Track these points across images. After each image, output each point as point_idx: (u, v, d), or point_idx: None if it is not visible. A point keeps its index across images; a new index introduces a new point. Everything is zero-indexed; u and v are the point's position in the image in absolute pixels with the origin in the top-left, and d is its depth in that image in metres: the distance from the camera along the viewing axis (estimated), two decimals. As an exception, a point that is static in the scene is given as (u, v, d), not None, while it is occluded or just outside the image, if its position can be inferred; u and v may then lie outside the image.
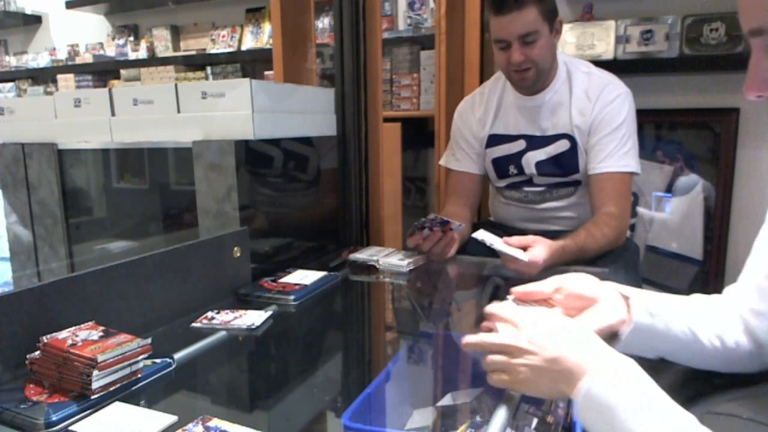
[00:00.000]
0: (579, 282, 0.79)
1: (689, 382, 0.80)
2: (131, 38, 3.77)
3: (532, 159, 1.60)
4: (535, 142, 1.59)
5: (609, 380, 0.58)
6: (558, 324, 0.67)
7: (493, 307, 0.73)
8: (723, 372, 0.80)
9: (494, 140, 1.64)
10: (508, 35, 1.44)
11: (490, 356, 0.68)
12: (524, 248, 1.27)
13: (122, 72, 3.66)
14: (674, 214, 2.15)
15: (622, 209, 1.48)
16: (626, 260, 1.49)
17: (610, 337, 0.74)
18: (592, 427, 0.59)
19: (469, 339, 0.70)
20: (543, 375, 0.63)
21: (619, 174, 1.49)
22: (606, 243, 1.42)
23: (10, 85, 4.18)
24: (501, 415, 0.65)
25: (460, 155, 1.70)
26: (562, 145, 1.56)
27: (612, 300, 0.76)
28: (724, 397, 0.84)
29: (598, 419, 0.58)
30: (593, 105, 1.51)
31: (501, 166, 1.65)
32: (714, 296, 0.84)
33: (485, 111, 1.66)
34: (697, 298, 0.84)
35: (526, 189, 1.65)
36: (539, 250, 1.26)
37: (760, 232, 0.80)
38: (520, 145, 1.61)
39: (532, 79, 1.50)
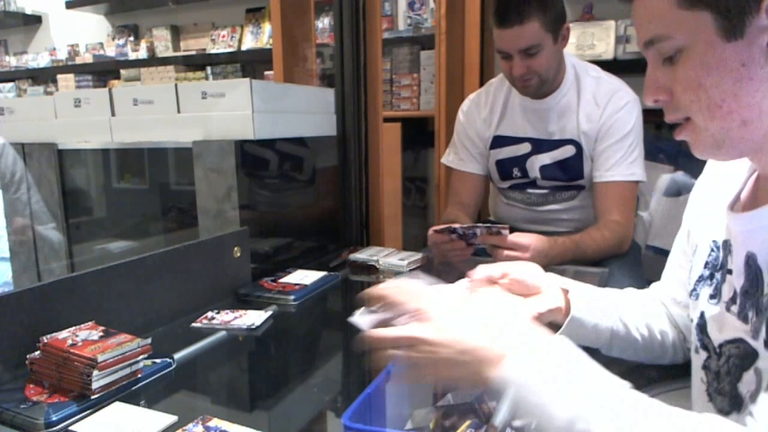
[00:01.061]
0: (524, 270, 0.82)
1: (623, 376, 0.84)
2: (131, 38, 3.77)
3: (536, 163, 1.58)
4: (541, 145, 1.57)
5: (524, 361, 0.55)
6: (478, 310, 0.62)
7: (388, 288, 0.63)
8: (652, 364, 0.88)
9: (499, 142, 1.63)
10: (510, 48, 1.42)
11: (390, 352, 0.60)
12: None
13: (122, 72, 3.66)
14: (674, 214, 2.15)
15: (626, 217, 1.48)
16: (626, 259, 1.49)
17: (549, 327, 0.74)
18: (517, 412, 0.55)
19: (370, 334, 0.61)
20: (457, 367, 0.57)
21: (625, 183, 1.48)
22: (606, 246, 1.42)
23: (10, 85, 4.18)
24: (501, 415, 0.65)
25: (464, 155, 1.68)
26: (568, 151, 1.54)
27: (552, 290, 0.81)
28: (658, 389, 0.93)
29: (517, 400, 0.55)
30: (602, 111, 1.49)
31: (505, 168, 1.64)
32: (643, 290, 0.93)
33: (491, 111, 1.64)
34: (629, 291, 0.92)
35: (530, 191, 1.65)
36: (525, 236, 1.27)
37: (680, 231, 0.88)
38: (526, 148, 1.59)
39: (536, 87, 1.48)
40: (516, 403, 0.55)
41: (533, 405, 0.54)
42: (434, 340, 0.57)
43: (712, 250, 0.74)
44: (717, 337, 0.71)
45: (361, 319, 0.64)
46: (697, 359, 0.76)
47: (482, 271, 0.81)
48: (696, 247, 0.79)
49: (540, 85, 1.48)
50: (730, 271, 0.70)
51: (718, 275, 0.72)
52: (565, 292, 0.82)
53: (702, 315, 0.74)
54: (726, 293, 0.70)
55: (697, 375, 0.76)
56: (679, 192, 2.15)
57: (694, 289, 0.77)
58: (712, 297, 0.72)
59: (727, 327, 0.69)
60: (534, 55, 1.42)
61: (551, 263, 1.33)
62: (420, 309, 0.60)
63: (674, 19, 0.59)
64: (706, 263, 0.75)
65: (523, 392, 0.54)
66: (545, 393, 0.53)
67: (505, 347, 0.56)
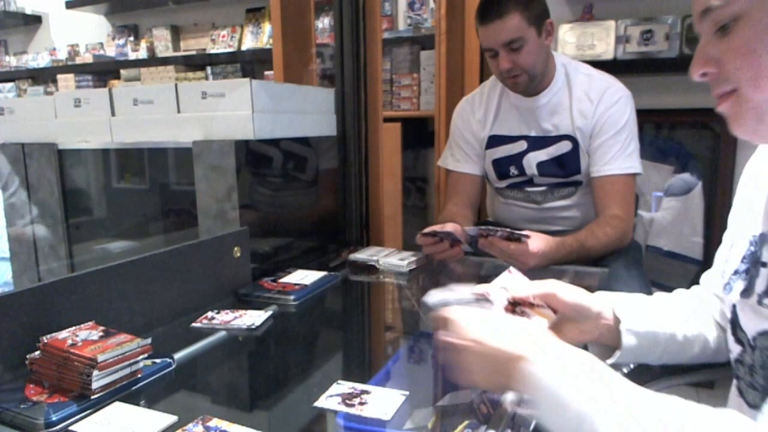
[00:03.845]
0: (572, 293, 0.80)
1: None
2: (131, 38, 3.77)
3: (533, 160, 1.59)
4: (536, 142, 1.59)
5: (550, 364, 0.57)
6: (505, 320, 0.68)
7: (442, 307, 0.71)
8: (710, 363, 0.86)
9: (495, 141, 1.64)
10: (493, 43, 1.45)
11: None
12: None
13: (122, 72, 3.66)
14: (674, 214, 2.15)
15: (626, 211, 1.49)
16: (628, 258, 1.50)
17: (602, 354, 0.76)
18: (540, 413, 0.57)
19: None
20: (485, 366, 0.62)
21: (623, 176, 1.49)
22: (608, 242, 1.43)
23: (10, 85, 4.18)
24: (500, 415, 0.65)
25: (460, 156, 1.70)
26: (564, 146, 1.56)
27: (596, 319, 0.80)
28: (662, 384, 0.95)
29: (542, 403, 0.57)
30: (595, 107, 1.51)
31: (502, 167, 1.65)
32: (694, 288, 0.91)
33: (485, 111, 1.65)
34: (678, 295, 0.90)
35: (528, 189, 1.65)
36: (534, 241, 1.27)
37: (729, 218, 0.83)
38: (521, 146, 1.61)
39: (525, 83, 1.50)
40: (531, 394, 0.57)
41: (547, 395, 0.56)
42: (460, 344, 0.64)
43: (751, 244, 0.73)
44: (751, 328, 0.70)
45: (431, 298, 0.76)
46: (731, 354, 0.75)
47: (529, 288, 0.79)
48: (734, 241, 0.78)
49: (529, 81, 1.50)
50: (764, 264, 0.69)
51: (753, 269, 0.71)
52: (616, 320, 0.80)
53: (734, 309, 0.74)
54: (759, 286, 0.69)
55: (733, 371, 0.75)
56: (680, 192, 2.16)
57: (728, 283, 0.75)
58: (744, 291, 0.71)
59: (760, 318, 0.68)
60: (518, 50, 1.44)
61: (556, 264, 1.33)
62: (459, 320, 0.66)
63: None
64: (744, 257, 0.74)
65: (539, 383, 0.56)
66: (561, 386, 0.55)
67: (526, 348, 0.59)
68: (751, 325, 0.70)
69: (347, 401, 0.73)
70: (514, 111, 1.61)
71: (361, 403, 0.72)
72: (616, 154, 1.49)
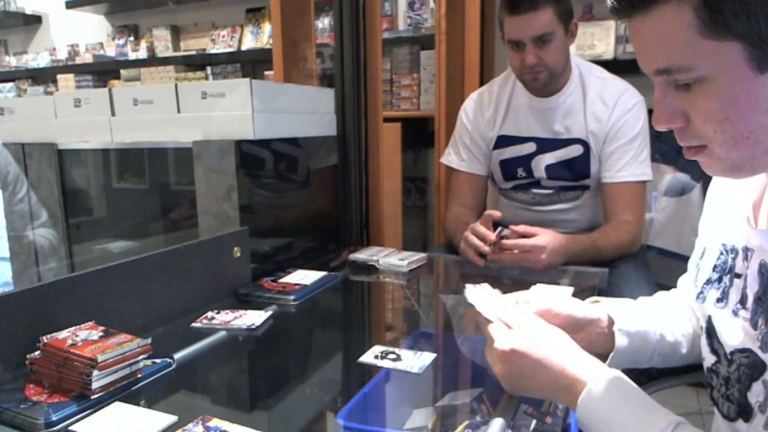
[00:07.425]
0: (570, 305, 0.80)
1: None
2: (131, 38, 3.77)
3: (542, 162, 1.57)
4: (546, 145, 1.56)
5: (608, 388, 0.61)
6: (568, 340, 0.70)
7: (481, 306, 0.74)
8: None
9: (503, 141, 1.61)
10: (523, 36, 1.41)
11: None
12: (529, 237, 1.30)
13: (122, 72, 3.66)
14: (674, 214, 2.15)
15: (637, 217, 1.48)
16: (636, 260, 1.49)
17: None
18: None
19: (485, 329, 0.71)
20: (543, 381, 0.65)
21: (635, 183, 1.49)
22: (621, 245, 1.43)
23: (10, 85, 4.18)
24: (500, 416, 0.65)
25: (466, 155, 1.67)
26: (575, 150, 1.54)
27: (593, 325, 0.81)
28: (659, 386, 0.98)
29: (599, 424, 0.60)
30: (610, 112, 1.49)
31: (509, 168, 1.63)
32: (673, 291, 0.92)
33: (495, 111, 1.62)
34: (661, 298, 0.92)
35: (534, 191, 1.63)
36: (542, 237, 1.27)
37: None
38: (531, 147, 1.58)
39: (545, 81, 1.47)
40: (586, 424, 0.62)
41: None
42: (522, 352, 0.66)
43: (722, 254, 0.73)
44: (728, 343, 0.70)
45: (472, 294, 0.74)
46: (705, 363, 0.76)
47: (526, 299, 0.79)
48: (704, 250, 0.78)
49: (549, 79, 1.47)
50: (738, 275, 0.69)
51: (726, 279, 0.72)
52: (610, 321, 0.80)
53: (709, 319, 0.74)
54: (733, 298, 0.70)
55: (705, 379, 0.76)
56: (680, 192, 2.15)
57: (701, 292, 0.76)
58: (719, 300, 0.72)
59: (736, 333, 0.68)
60: (546, 44, 1.41)
61: (569, 262, 1.33)
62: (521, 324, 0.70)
63: (697, 49, 0.55)
64: (715, 266, 0.74)
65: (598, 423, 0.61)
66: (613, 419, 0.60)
67: (589, 373, 0.63)
68: (729, 339, 0.70)
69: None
70: (525, 111, 1.58)
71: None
72: (630, 161, 1.48)
